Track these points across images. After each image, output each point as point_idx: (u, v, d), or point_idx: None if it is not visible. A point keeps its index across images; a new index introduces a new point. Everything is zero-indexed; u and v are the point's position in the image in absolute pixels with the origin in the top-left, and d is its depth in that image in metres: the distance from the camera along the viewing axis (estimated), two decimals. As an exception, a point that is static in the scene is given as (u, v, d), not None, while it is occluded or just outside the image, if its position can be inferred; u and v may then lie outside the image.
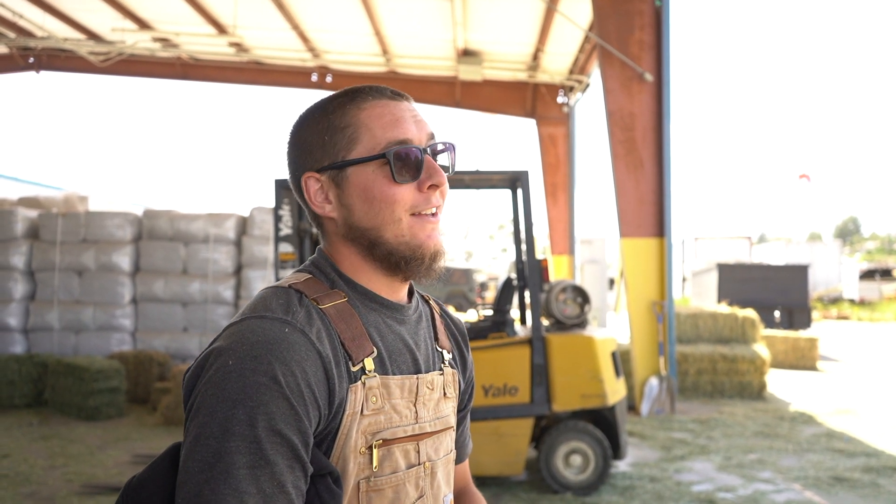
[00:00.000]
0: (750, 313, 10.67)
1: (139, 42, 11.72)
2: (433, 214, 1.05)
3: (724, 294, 16.03)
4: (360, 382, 0.97)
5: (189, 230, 9.66)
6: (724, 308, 11.04)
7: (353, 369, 0.97)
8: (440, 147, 1.09)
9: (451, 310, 1.30)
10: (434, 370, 1.11)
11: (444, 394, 1.12)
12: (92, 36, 11.88)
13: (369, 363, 0.99)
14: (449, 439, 1.13)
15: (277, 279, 5.48)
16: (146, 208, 10.04)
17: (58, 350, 9.30)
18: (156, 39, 11.92)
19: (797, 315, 16.12)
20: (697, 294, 19.79)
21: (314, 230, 5.72)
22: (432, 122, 1.11)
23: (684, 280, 29.03)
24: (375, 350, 1.01)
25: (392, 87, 1.08)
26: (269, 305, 0.96)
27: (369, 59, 12.71)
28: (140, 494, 0.93)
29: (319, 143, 1.05)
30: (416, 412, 1.05)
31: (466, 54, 12.03)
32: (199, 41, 11.83)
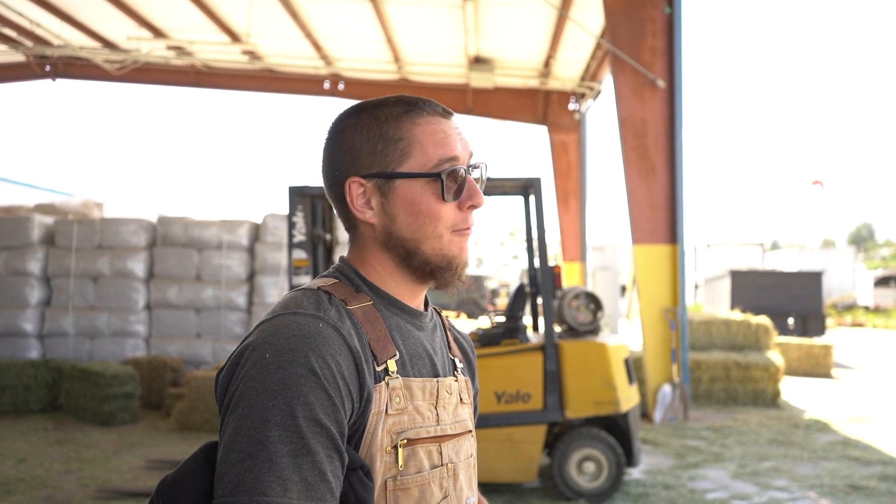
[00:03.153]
0: (763, 320, 10.61)
1: (154, 50, 11.84)
2: (468, 229, 1.09)
3: (737, 301, 15.93)
4: (384, 383, 1.00)
5: (203, 237, 9.73)
6: (737, 315, 10.98)
7: (378, 369, 1.00)
8: (477, 165, 1.12)
9: (457, 320, 1.35)
10: (450, 376, 1.14)
11: (461, 399, 1.15)
12: (107, 44, 12.01)
13: (392, 365, 1.02)
14: (468, 443, 1.15)
15: (291, 286, 5.51)
16: (160, 215, 10.12)
17: (73, 355, 9.38)
18: (170, 48, 12.03)
19: (811, 322, 16.00)
20: (710, 301, 19.68)
21: (328, 237, 5.76)
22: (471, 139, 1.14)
23: (697, 287, 28.89)
24: (398, 353, 1.04)
25: (408, 94, 1.10)
26: (301, 303, 0.99)
27: (381, 67, 12.77)
28: (175, 492, 0.95)
29: (370, 150, 1.07)
30: (438, 414, 1.07)
31: (478, 61, 12.07)
32: (213, 49, 11.93)
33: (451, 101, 13.40)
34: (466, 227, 1.09)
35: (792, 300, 16.06)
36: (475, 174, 1.11)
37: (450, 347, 1.20)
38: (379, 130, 1.06)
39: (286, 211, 5.57)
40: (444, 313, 1.27)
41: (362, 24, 10.76)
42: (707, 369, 9.62)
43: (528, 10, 9.98)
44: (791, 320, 15.86)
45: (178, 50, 12.18)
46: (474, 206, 1.08)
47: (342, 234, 7.19)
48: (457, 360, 1.19)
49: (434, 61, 12.43)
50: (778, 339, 12.27)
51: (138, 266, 9.62)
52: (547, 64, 12.25)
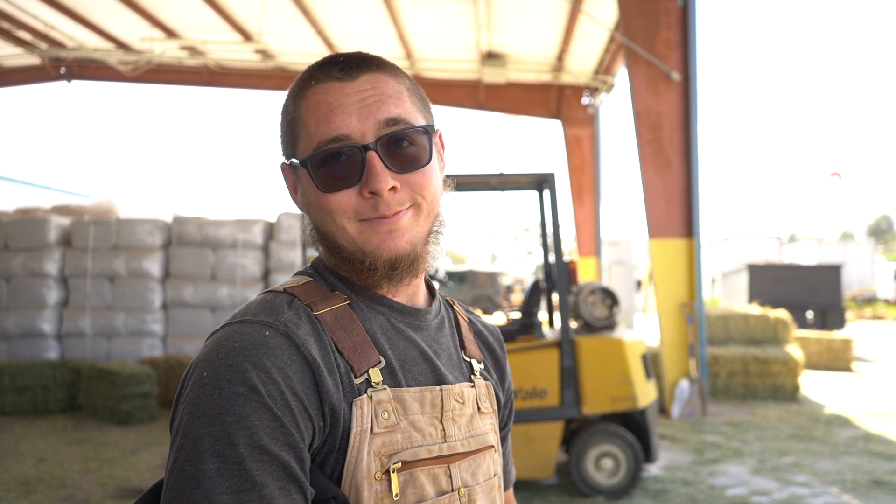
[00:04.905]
0: (782, 314, 10.49)
1: (167, 51, 11.89)
2: (384, 217, 0.90)
3: (755, 295, 15.78)
4: (365, 396, 0.86)
5: (217, 236, 9.76)
6: (755, 309, 10.87)
7: (357, 381, 0.86)
8: (402, 135, 0.91)
9: (480, 314, 1.18)
10: (461, 381, 0.98)
11: (479, 408, 0.99)
12: (121, 45, 12.08)
13: (375, 374, 0.87)
14: (490, 461, 0.99)
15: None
16: (175, 215, 10.17)
17: (90, 355, 9.44)
18: (183, 48, 12.08)
19: (830, 315, 15.81)
20: (727, 295, 19.52)
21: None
22: (403, 96, 0.94)
23: (714, 281, 28.69)
24: (383, 360, 0.89)
25: (333, 54, 0.97)
26: (253, 310, 0.87)
27: (394, 63, 12.74)
28: None
29: (281, 132, 0.97)
30: (444, 429, 0.92)
31: (490, 57, 12.01)
32: (226, 48, 11.97)
33: (464, 96, 13.37)
34: (376, 215, 0.89)
35: (811, 293, 15.89)
36: (396, 145, 0.90)
37: (464, 347, 1.03)
38: (283, 110, 0.96)
39: (299, 210, 5.57)
40: (458, 306, 1.11)
41: (374, 20, 10.75)
42: (725, 364, 9.53)
43: (540, 4, 9.91)
44: (810, 314, 15.69)
45: (191, 50, 12.23)
46: (374, 193, 0.88)
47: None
48: (474, 362, 1.03)
49: (446, 57, 12.39)
50: (797, 332, 12.14)
51: (154, 266, 9.67)
52: (560, 58, 12.17)
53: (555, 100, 13.56)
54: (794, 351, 9.77)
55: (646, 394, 5.15)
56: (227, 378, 0.78)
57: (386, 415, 0.86)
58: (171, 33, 11.36)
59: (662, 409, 8.09)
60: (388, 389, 0.87)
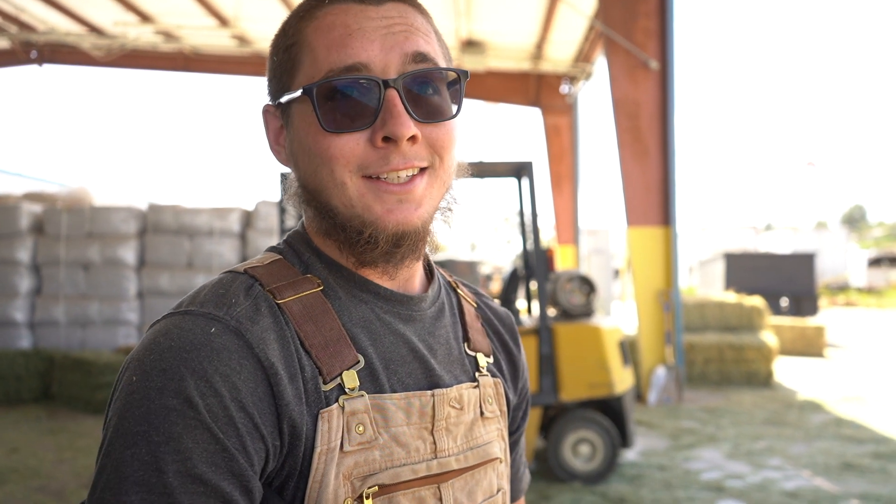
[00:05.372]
0: (756, 302, 10.63)
1: (141, 35, 11.70)
2: (400, 184, 0.75)
3: (731, 283, 15.98)
4: (336, 406, 0.71)
5: (194, 224, 9.66)
6: (730, 297, 11.00)
7: (325, 388, 0.71)
8: (429, 76, 0.76)
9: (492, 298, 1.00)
10: (463, 381, 0.83)
11: (482, 413, 0.83)
12: (94, 30, 11.86)
13: (350, 378, 0.72)
14: (493, 475, 0.84)
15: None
16: (150, 202, 10.04)
17: (64, 344, 9.32)
18: (158, 32, 11.89)
19: (804, 303, 16.06)
20: (704, 283, 19.74)
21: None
22: (432, 36, 0.79)
23: (691, 269, 29.00)
24: (361, 359, 0.74)
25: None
26: (201, 297, 0.71)
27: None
28: None
29: (272, 65, 0.80)
30: (435, 443, 0.77)
31: (470, 44, 11.97)
32: (201, 34, 11.80)
33: (443, 84, 13.31)
34: (386, 169, 0.73)
35: (785, 281, 16.12)
36: (420, 89, 0.75)
37: (467, 339, 0.87)
38: (281, 37, 0.80)
39: (277, 197, 5.52)
40: (462, 288, 0.94)
41: (352, 6, 10.65)
42: (701, 351, 9.65)
43: (519, -8, 9.88)
44: (784, 301, 15.92)
45: (166, 35, 12.04)
46: (390, 138, 0.73)
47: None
48: (481, 356, 0.87)
49: (425, 44, 12.33)
50: (771, 320, 12.32)
51: (129, 254, 9.55)
52: (539, 46, 12.16)
53: (534, 88, 13.56)
54: (769, 338, 9.91)
55: (623, 380, 5.20)
56: (159, 387, 0.64)
57: (361, 428, 0.72)
58: (145, 18, 11.17)
59: (639, 395, 8.17)
60: (366, 396, 0.73)
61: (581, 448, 5.16)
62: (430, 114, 0.76)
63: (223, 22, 11.22)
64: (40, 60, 12.97)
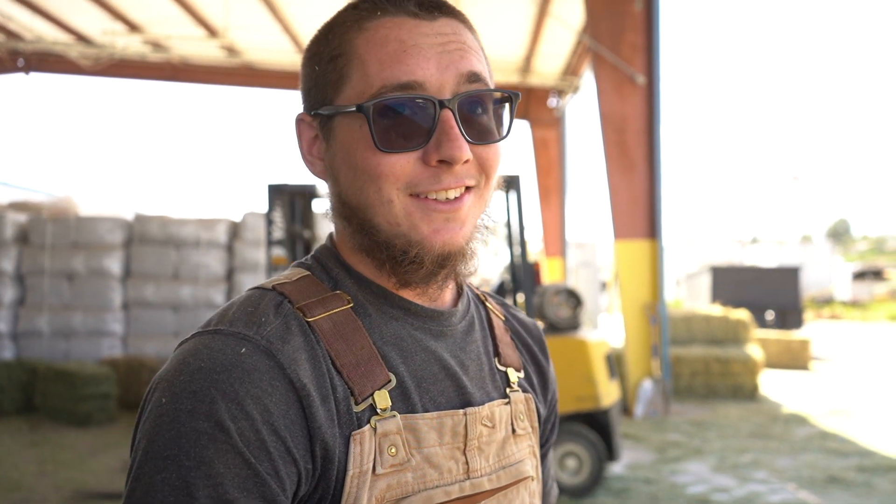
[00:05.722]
0: (742, 315, 10.70)
1: (129, 45, 11.67)
2: (448, 202, 0.73)
3: (718, 296, 16.08)
4: (368, 427, 0.69)
5: (180, 234, 9.62)
6: (717, 310, 11.06)
7: (357, 409, 0.69)
8: (481, 97, 0.74)
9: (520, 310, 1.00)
10: (495, 398, 0.81)
11: (513, 430, 0.82)
12: (82, 38, 11.81)
13: (382, 398, 0.71)
14: (525, 494, 0.82)
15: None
16: (137, 213, 9.99)
17: (48, 355, 9.22)
18: (146, 42, 11.86)
19: (789, 316, 16.18)
20: (691, 296, 19.85)
21: (307, 234, 5.70)
22: (482, 56, 0.77)
23: (678, 283, 29.14)
24: (393, 378, 0.72)
25: None
26: (230, 315, 0.70)
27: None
28: None
29: (312, 75, 0.77)
30: (467, 463, 0.75)
31: (458, 57, 12.02)
32: (190, 44, 11.78)
33: (432, 96, 13.36)
34: (437, 188, 0.72)
35: (771, 295, 16.24)
36: (471, 109, 0.74)
37: (498, 354, 0.85)
38: (324, 47, 0.76)
39: (265, 209, 5.52)
40: (491, 301, 0.92)
41: (341, 19, 10.68)
42: (687, 364, 9.68)
43: (508, 5, 9.95)
44: (770, 314, 16.03)
45: (155, 45, 12.02)
46: (445, 161, 0.71)
47: (321, 232, 7.13)
48: (510, 372, 0.85)
49: (414, 57, 12.38)
50: (757, 333, 12.39)
51: (114, 264, 9.48)
52: (527, 59, 12.24)
53: (522, 101, 13.55)
54: (754, 351, 9.97)
55: (609, 394, 5.21)
56: (189, 409, 0.62)
57: (393, 450, 0.70)
58: (133, 27, 11.15)
59: (626, 408, 8.18)
60: (398, 416, 0.71)
61: (567, 461, 5.15)
62: (482, 135, 0.75)
63: (212, 32, 11.22)
64: (27, 69, 12.89)
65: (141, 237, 9.69)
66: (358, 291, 0.76)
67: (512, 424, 0.82)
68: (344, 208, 0.76)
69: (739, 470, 5.86)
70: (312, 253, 0.82)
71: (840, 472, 5.77)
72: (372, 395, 0.70)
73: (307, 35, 8.04)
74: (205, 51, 12.18)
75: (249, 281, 9.50)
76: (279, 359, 0.66)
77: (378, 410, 0.70)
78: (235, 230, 9.90)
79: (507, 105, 0.77)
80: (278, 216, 5.46)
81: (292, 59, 12.46)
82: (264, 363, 0.66)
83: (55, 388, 7.81)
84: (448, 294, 0.82)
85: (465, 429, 0.75)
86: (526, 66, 12.51)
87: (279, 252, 5.45)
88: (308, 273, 0.77)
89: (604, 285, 22.17)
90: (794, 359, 12.56)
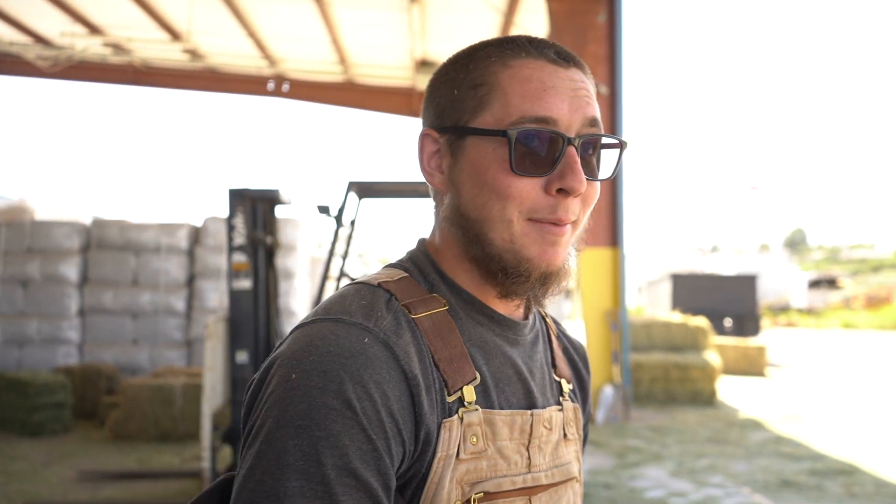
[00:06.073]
0: (701, 322, 10.90)
1: (89, 47, 11.46)
2: (557, 224, 0.82)
3: (678, 303, 16.35)
4: (456, 417, 0.78)
5: (140, 240, 9.47)
6: (676, 317, 11.25)
7: (449, 400, 0.78)
8: (596, 140, 0.85)
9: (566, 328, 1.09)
10: (552, 405, 0.90)
11: (565, 435, 0.91)
12: (40, 40, 11.57)
13: (469, 392, 0.79)
14: (571, 493, 0.91)
15: (230, 289, 5.40)
16: (95, 217, 9.80)
17: (0, 364, 8.98)
18: (107, 45, 11.66)
19: (747, 323, 16.53)
20: (652, 303, 20.15)
21: (269, 240, 5.66)
22: (597, 104, 0.87)
23: (640, 290, 29.55)
24: (478, 376, 0.81)
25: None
26: (348, 306, 0.78)
27: (327, 68, 12.65)
28: None
29: (449, 97, 0.86)
30: (530, 458, 0.84)
31: (424, 64, 12.06)
32: (153, 47, 11.62)
33: (398, 103, 13.38)
34: (552, 217, 0.81)
35: (729, 302, 16.57)
36: (587, 149, 0.84)
37: (555, 366, 0.95)
38: (464, 73, 0.85)
39: (227, 214, 5.47)
40: (549, 318, 1.02)
41: (307, 24, 10.64)
42: (647, 370, 9.83)
43: (473, 15, 10.03)
44: (728, 321, 16.35)
45: (116, 47, 11.82)
46: (565, 191, 0.80)
47: (283, 238, 7.10)
48: (563, 383, 0.95)
49: (380, 63, 12.38)
50: (715, 339, 12.64)
51: (71, 270, 9.28)
52: (492, 69, 12.33)
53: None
54: (713, 357, 10.17)
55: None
56: (320, 387, 0.71)
57: (475, 439, 0.79)
58: (94, 29, 10.95)
59: (587, 414, 8.27)
60: (480, 410, 0.80)
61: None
62: (592, 172, 0.84)
63: (175, 36, 11.08)
64: (-18, 70, 12.58)
65: (99, 242, 9.51)
66: (451, 296, 0.85)
67: (564, 429, 0.91)
68: (461, 219, 0.84)
69: (696, 474, 5.97)
70: (409, 253, 0.91)
71: (793, 475, 5.91)
72: (461, 388, 0.79)
73: (272, 41, 7.99)
74: (168, 54, 12.02)
75: (211, 287, 9.38)
76: (395, 351, 0.75)
77: (465, 403, 0.79)
78: (197, 235, 9.77)
79: (618, 150, 0.88)
80: (240, 221, 5.41)
81: (257, 64, 12.38)
82: (383, 353, 0.74)
83: (7, 398, 7.60)
84: (521, 309, 0.91)
85: (531, 428, 0.84)
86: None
87: (240, 258, 5.39)
88: (406, 275, 0.86)
89: (566, 292, 22.39)
90: (751, 365, 12.84)
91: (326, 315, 0.77)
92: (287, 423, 0.70)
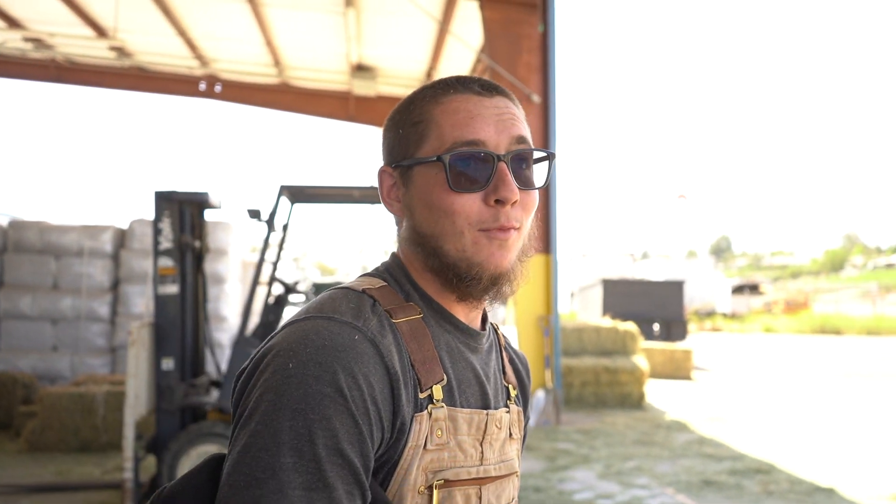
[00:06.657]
0: (630, 327, 11.19)
1: (8, 41, 10.96)
2: (502, 229, 0.92)
3: (609, 308, 16.73)
4: (426, 412, 0.88)
5: (61, 242, 9.09)
6: (606, 322, 11.52)
7: (421, 396, 0.88)
8: (526, 155, 0.96)
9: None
10: (502, 407, 1.01)
11: (511, 434, 1.02)
12: (-47, 32, 10.99)
13: (438, 391, 0.90)
14: (512, 486, 1.02)
15: (156, 294, 5.25)
16: (12, 218, 9.37)
17: None
18: (27, 39, 11.18)
19: (674, 328, 17.05)
20: (584, 308, 20.55)
21: (197, 244, 5.52)
22: (525, 125, 0.99)
23: (573, 295, 30.07)
24: (445, 377, 0.92)
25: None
26: (339, 307, 0.88)
27: (261, 70, 12.45)
28: None
29: (396, 136, 0.99)
30: (482, 452, 0.95)
31: (360, 69, 12.02)
32: (77, 43, 11.19)
33: (333, 107, 13.28)
34: (496, 225, 0.92)
35: (657, 307, 17.06)
36: (518, 164, 0.95)
37: (504, 372, 1.06)
38: (407, 115, 0.98)
39: (153, 216, 5.31)
40: (500, 330, 1.14)
41: (240, 25, 10.45)
42: (578, 374, 10.02)
43: (409, 21, 10.05)
44: (656, 326, 16.83)
45: (37, 42, 11.34)
46: (501, 201, 0.91)
47: (212, 242, 6.94)
48: (511, 388, 1.06)
49: (316, 67, 12.26)
50: (644, 344, 12.99)
51: (-14, 274, 8.84)
52: (429, 74, 12.38)
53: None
54: (641, 361, 10.45)
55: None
56: (315, 375, 0.79)
57: (440, 433, 0.89)
58: (13, 23, 10.48)
59: (519, 418, 8.38)
60: (446, 408, 0.90)
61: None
62: (526, 183, 0.95)
63: (101, 32, 10.71)
64: None
65: (16, 245, 9.09)
66: (423, 306, 0.95)
67: (510, 429, 1.02)
68: (418, 237, 0.95)
69: (623, 476, 6.12)
70: (384, 264, 1.01)
71: (714, 475, 6.13)
72: (431, 387, 0.89)
73: (203, 41, 7.83)
74: (93, 51, 11.61)
75: (137, 292, 9.08)
76: (380, 348, 0.85)
77: (434, 400, 0.89)
78: (122, 238, 9.45)
79: (543, 162, 1.00)
80: (167, 225, 5.26)
81: (188, 64, 12.08)
82: (371, 350, 0.84)
83: (-87, 409, 7.18)
84: (479, 320, 1.02)
85: (486, 426, 0.95)
86: (428, 81, 12.63)
87: (167, 262, 5.24)
88: (385, 284, 0.96)
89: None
90: (678, 369, 13.25)
91: (319, 313, 0.86)
92: (284, 406, 0.78)
